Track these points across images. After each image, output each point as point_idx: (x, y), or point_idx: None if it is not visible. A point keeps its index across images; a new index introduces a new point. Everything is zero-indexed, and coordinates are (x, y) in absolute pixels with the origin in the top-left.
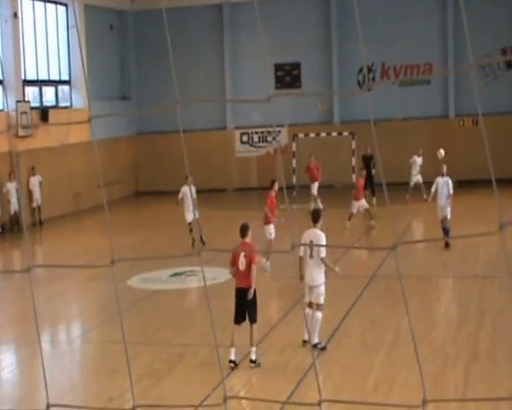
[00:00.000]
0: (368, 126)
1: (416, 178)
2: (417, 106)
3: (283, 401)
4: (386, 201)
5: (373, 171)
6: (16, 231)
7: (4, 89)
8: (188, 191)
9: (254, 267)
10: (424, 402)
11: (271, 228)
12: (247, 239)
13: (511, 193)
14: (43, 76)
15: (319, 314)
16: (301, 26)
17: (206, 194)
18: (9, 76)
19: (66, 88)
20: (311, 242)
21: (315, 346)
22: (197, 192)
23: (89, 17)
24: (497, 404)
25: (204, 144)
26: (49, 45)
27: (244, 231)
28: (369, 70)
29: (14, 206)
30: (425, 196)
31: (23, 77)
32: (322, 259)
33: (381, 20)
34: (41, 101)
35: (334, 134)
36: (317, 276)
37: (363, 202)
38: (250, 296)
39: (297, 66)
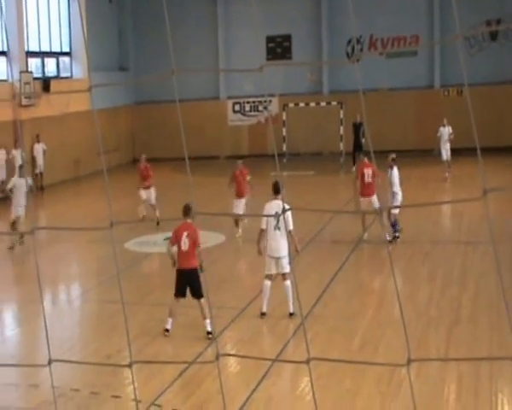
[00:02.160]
0: (355, 96)
1: (445, 149)
2: (403, 77)
3: (273, 359)
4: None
5: (362, 139)
6: None
7: (8, 60)
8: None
9: (199, 249)
10: (409, 361)
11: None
12: (189, 220)
13: (494, 161)
14: (45, 48)
15: (289, 283)
16: None
17: (199, 161)
18: (13, 48)
19: (66, 59)
20: (276, 213)
21: (291, 315)
22: (190, 159)
23: None
24: (478, 364)
25: (198, 113)
26: (50, 18)
27: (187, 210)
28: (358, 42)
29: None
30: (446, 175)
31: (26, 48)
32: (290, 231)
33: None
34: (43, 71)
35: (323, 104)
36: (283, 247)
37: (375, 200)
38: (199, 275)
39: (288, 38)
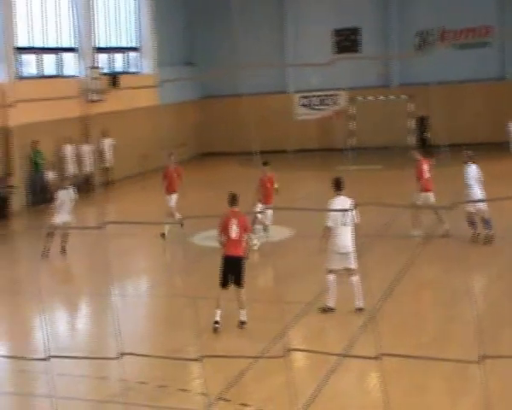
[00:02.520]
0: (425, 89)
1: None
2: (473, 69)
3: (342, 354)
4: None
5: (427, 134)
6: (89, 191)
7: (78, 56)
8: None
9: (247, 237)
10: (481, 358)
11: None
12: (237, 208)
13: None
14: (113, 43)
15: (357, 278)
16: None
17: (266, 155)
18: (82, 44)
19: (134, 54)
20: (341, 207)
21: (360, 310)
22: (260, 153)
23: None
24: None
25: (265, 108)
26: (119, 14)
27: (234, 199)
28: (427, 34)
29: (87, 167)
30: None
31: (95, 44)
32: (356, 224)
33: None
34: (111, 67)
35: (392, 97)
36: (350, 242)
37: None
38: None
39: (356, 31)
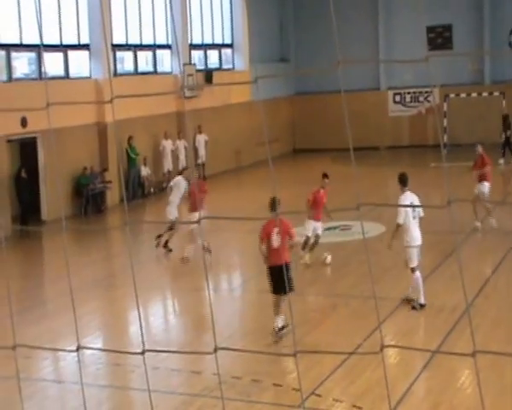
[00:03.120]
0: None
1: None
2: None
3: (434, 351)
4: None
5: (509, 132)
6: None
7: (172, 53)
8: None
9: (292, 243)
10: None
11: (311, 225)
12: (278, 214)
13: None
14: (207, 40)
15: (419, 274)
16: None
17: (359, 151)
18: (177, 41)
19: (228, 51)
20: (411, 203)
21: (423, 306)
22: (354, 150)
23: None
24: None
25: (358, 104)
26: (213, 11)
27: (274, 204)
28: None
29: (181, 162)
30: None
31: (189, 41)
32: (421, 218)
33: None
34: (206, 63)
35: (485, 94)
36: (419, 235)
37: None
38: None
39: (449, 27)
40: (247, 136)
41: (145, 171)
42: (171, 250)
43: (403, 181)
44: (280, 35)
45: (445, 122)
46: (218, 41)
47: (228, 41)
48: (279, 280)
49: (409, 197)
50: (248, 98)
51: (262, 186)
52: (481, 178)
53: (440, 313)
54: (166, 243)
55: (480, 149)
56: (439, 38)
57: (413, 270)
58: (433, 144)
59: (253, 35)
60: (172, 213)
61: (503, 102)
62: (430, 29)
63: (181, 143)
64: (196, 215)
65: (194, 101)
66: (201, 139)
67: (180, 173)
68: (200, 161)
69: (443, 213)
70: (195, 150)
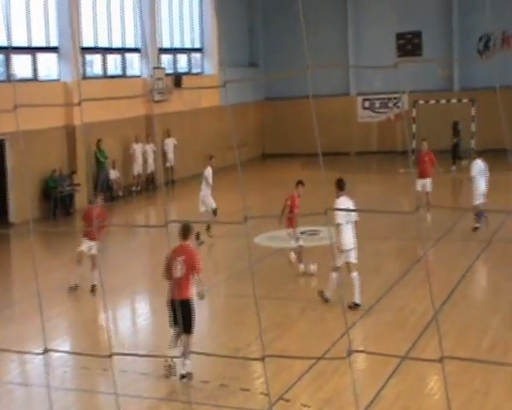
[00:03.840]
0: (487, 93)
1: None
2: None
3: (403, 356)
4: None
5: (456, 139)
6: (151, 190)
7: (142, 57)
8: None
9: (198, 278)
10: None
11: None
12: (188, 242)
13: None
14: (177, 44)
15: (356, 273)
16: None
17: (328, 157)
18: (146, 44)
19: (198, 55)
20: (346, 207)
21: (357, 305)
22: (323, 155)
23: None
24: None
25: (328, 110)
26: (182, 14)
27: (186, 232)
28: (490, 38)
29: (150, 166)
30: None
31: (159, 45)
32: (356, 222)
33: None
34: (175, 67)
35: (454, 101)
36: (353, 239)
37: (429, 182)
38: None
39: (418, 34)
40: (217, 140)
41: (114, 174)
42: (202, 242)
43: (339, 186)
44: (249, 40)
45: (414, 128)
46: (188, 45)
47: (197, 45)
48: (180, 317)
49: (344, 202)
50: (217, 103)
51: (231, 190)
52: (424, 175)
53: (409, 319)
54: (198, 235)
55: (425, 145)
56: (409, 45)
57: (334, 269)
58: (402, 150)
59: (222, 40)
60: (211, 203)
61: (472, 109)
62: (400, 35)
63: (149, 147)
64: (89, 243)
65: (163, 105)
66: (170, 143)
67: (210, 159)
68: (168, 165)
69: (411, 219)
70: (164, 154)
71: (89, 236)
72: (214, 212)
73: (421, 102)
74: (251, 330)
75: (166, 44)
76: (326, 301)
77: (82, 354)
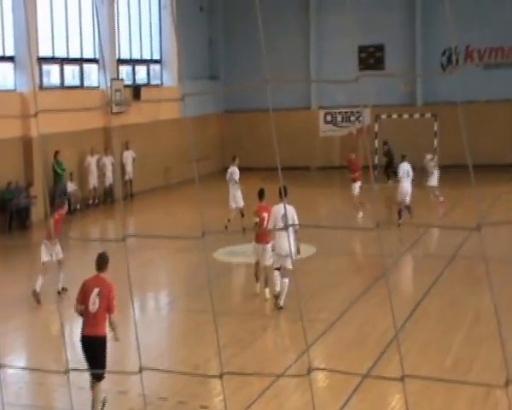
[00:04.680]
0: (451, 109)
1: None
2: (501, 88)
3: (364, 375)
4: (471, 182)
5: (386, 159)
6: (109, 203)
7: (100, 67)
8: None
9: (112, 319)
10: (507, 383)
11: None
12: (104, 274)
13: None
14: (135, 55)
15: (287, 280)
16: (385, 7)
17: (289, 171)
18: (105, 55)
19: (157, 67)
20: (283, 215)
21: (280, 308)
22: (284, 170)
23: None
24: None
25: (289, 123)
26: (141, 26)
27: (102, 262)
28: (454, 52)
29: (108, 179)
30: None
31: (117, 56)
32: (296, 231)
33: (465, 1)
34: (134, 79)
35: (417, 116)
36: (287, 245)
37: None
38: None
39: (381, 47)
40: (176, 153)
41: (71, 187)
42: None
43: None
44: (210, 51)
45: (376, 143)
46: (147, 56)
47: (156, 57)
48: (92, 357)
49: (279, 207)
50: (177, 115)
51: (191, 204)
52: (354, 180)
53: (371, 336)
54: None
55: (352, 156)
56: (371, 58)
57: (276, 269)
58: (364, 165)
59: (181, 51)
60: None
61: (435, 124)
62: (362, 48)
63: (108, 160)
64: (50, 248)
65: (121, 116)
66: (129, 156)
67: (234, 160)
68: (127, 178)
69: (373, 235)
70: (123, 167)
71: (48, 238)
72: (241, 211)
73: (384, 116)
74: (210, 346)
75: (125, 55)
76: (280, 308)
77: (38, 369)
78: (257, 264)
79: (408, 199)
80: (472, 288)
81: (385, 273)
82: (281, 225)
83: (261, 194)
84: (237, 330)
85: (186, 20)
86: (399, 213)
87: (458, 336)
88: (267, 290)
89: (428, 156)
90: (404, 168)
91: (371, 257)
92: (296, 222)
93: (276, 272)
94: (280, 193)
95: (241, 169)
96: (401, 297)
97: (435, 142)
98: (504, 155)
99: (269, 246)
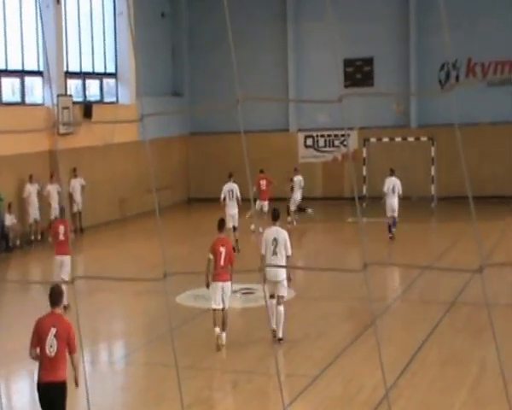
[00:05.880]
0: (449, 131)
1: None
2: (508, 109)
3: None
4: (473, 216)
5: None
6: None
7: (45, 81)
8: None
9: (73, 360)
10: None
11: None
12: (60, 310)
13: None
14: (86, 68)
15: (282, 308)
16: (374, 16)
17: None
18: (50, 67)
19: (111, 81)
20: (274, 239)
21: (280, 340)
22: (255, 200)
23: (138, 3)
24: None
25: (264, 147)
26: (93, 34)
27: (56, 296)
28: (453, 67)
29: (54, 211)
30: None
31: (65, 69)
32: (288, 257)
33: (467, 9)
34: (84, 95)
35: (411, 139)
36: (280, 271)
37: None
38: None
39: (369, 61)
40: (134, 181)
41: (10, 220)
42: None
43: (275, 216)
44: (172, 64)
45: (364, 171)
46: (100, 69)
47: (111, 70)
48: (50, 407)
49: (272, 231)
50: (135, 137)
51: (150, 240)
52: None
53: (359, 393)
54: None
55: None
56: (359, 73)
57: (271, 296)
58: (351, 196)
59: (140, 64)
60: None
61: (432, 148)
62: (348, 62)
63: (53, 188)
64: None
65: (69, 138)
66: (77, 184)
67: (230, 177)
68: (75, 209)
69: (360, 276)
70: (70, 197)
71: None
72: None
73: (373, 140)
74: (173, 404)
75: (74, 68)
76: (280, 340)
77: None
78: (214, 310)
79: (395, 215)
80: (475, 338)
81: (374, 320)
82: (272, 250)
83: (221, 225)
84: (204, 387)
85: (145, 27)
86: (389, 227)
87: (460, 394)
88: (224, 335)
89: None
90: (390, 184)
91: (359, 301)
92: (289, 247)
93: (270, 302)
94: (273, 216)
95: (208, 200)
96: (394, 349)
97: (432, 169)
98: (510, 185)
99: (229, 284)
